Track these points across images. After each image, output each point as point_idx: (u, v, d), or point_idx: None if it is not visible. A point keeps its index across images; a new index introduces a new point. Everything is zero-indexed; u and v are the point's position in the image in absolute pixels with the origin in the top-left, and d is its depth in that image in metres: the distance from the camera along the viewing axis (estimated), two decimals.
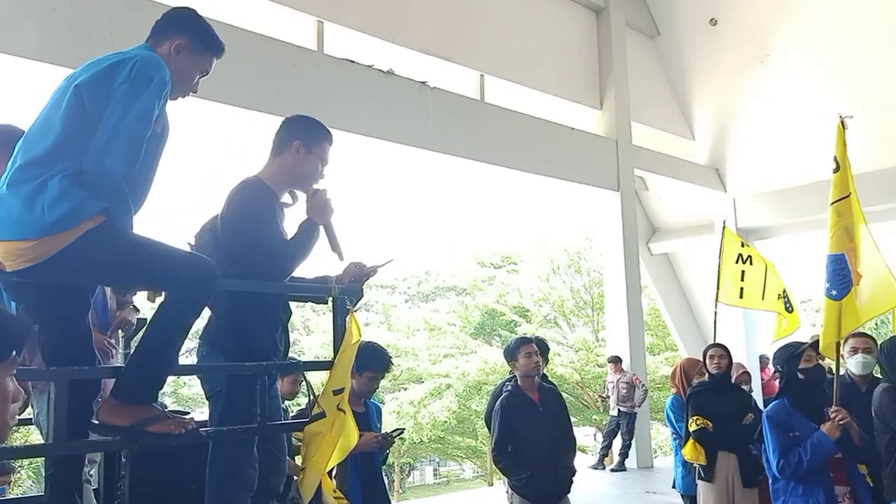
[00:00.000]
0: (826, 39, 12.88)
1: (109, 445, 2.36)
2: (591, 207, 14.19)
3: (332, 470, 2.73)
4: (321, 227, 2.78)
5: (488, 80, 10.97)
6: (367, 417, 4.24)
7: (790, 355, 4.16)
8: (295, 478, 2.91)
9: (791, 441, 3.96)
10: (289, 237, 2.76)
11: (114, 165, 2.13)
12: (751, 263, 8.13)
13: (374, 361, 4.12)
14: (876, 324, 21.22)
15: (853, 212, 4.68)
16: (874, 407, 4.49)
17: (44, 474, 2.28)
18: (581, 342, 22.30)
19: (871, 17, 12.41)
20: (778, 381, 4.24)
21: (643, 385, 11.66)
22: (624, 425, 11.68)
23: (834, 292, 4.45)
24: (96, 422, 2.26)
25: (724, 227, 8.55)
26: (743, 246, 8.21)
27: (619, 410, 11.75)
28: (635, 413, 11.61)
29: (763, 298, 8.10)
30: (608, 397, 12.36)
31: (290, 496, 3.23)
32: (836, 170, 4.75)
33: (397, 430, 4.47)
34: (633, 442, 11.59)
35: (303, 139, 2.81)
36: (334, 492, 2.68)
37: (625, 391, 11.73)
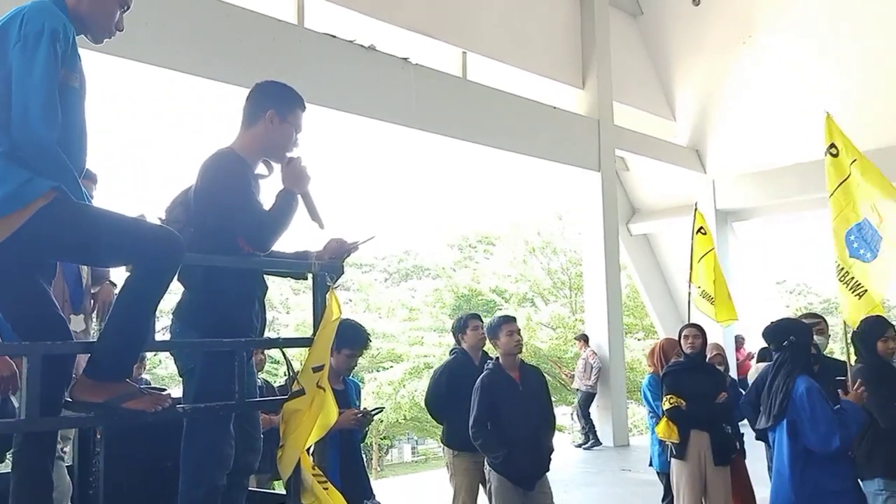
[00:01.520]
0: (809, 22, 12.92)
1: (84, 422, 2.32)
2: (571, 187, 14.20)
3: (310, 447, 2.72)
4: (299, 197, 2.73)
5: (471, 58, 10.90)
6: (346, 395, 4.23)
7: (802, 330, 4.20)
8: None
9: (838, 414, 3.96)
10: (266, 209, 2.71)
11: (41, 131, 2.06)
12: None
13: (352, 339, 4.10)
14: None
15: (854, 193, 5.04)
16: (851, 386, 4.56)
17: (11, 451, 2.24)
18: (558, 321, 22.42)
19: (856, 1, 12.45)
20: (784, 354, 4.20)
21: (596, 363, 11.78)
22: (582, 402, 11.85)
23: (869, 255, 4.76)
24: (69, 399, 2.22)
25: (695, 210, 8.61)
26: (697, 233, 8.29)
27: (578, 389, 11.97)
28: (589, 391, 11.75)
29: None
30: (573, 376, 12.63)
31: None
32: (836, 155, 5.11)
33: (377, 408, 4.48)
34: (591, 420, 11.76)
35: (276, 108, 2.73)
36: (313, 469, 2.67)
37: (581, 369, 11.93)
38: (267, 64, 7.93)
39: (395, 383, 21.49)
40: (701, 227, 7.93)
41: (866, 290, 5.03)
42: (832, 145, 5.06)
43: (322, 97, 8.52)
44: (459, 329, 5.47)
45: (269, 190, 2.81)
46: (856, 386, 4.16)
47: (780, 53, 13.34)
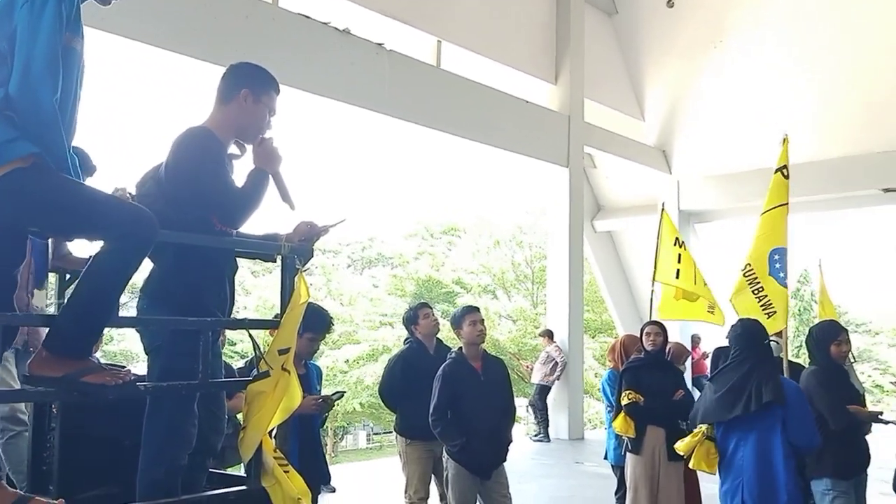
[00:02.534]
0: (779, 30, 13.15)
1: (43, 396, 2.28)
2: (538, 182, 14.27)
3: (273, 430, 2.70)
4: (270, 177, 2.71)
5: (446, 47, 10.87)
6: (308, 379, 4.22)
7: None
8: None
9: None
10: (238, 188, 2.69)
11: (40, 92, 2.04)
12: (684, 248, 8.33)
13: (314, 323, 4.09)
14: (799, 310, 22.09)
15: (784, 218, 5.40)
16: (802, 388, 4.68)
17: None
18: (519, 313, 22.58)
19: (825, 8, 12.69)
20: (751, 353, 4.32)
21: (561, 360, 11.89)
22: (537, 395, 11.98)
23: (782, 275, 4.93)
24: (27, 374, 2.17)
25: (662, 209, 8.71)
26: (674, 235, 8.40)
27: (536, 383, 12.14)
28: (545, 384, 11.89)
29: (695, 282, 8.30)
30: (532, 369, 12.76)
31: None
32: (787, 177, 5.40)
33: (338, 392, 4.48)
34: (546, 413, 11.88)
35: (250, 88, 2.72)
36: (274, 451, 2.65)
37: (542, 362, 12.08)
38: (239, 41, 7.82)
39: (350, 362, 21.47)
40: (677, 238, 8.05)
41: (776, 312, 5.30)
42: (784, 167, 5.38)
43: (293, 79, 8.41)
44: (411, 320, 5.46)
45: (241, 170, 2.79)
46: None
47: (748, 59, 13.55)
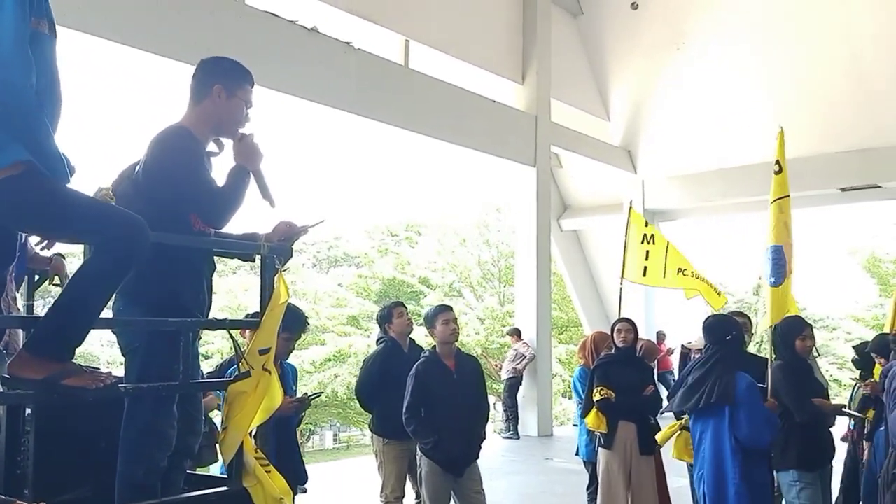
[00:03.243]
0: (739, 30, 13.40)
1: (23, 398, 2.24)
2: (505, 182, 14.35)
3: (253, 430, 2.69)
4: (251, 174, 2.68)
5: (413, 46, 10.87)
6: (284, 379, 4.20)
7: (740, 330, 4.53)
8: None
9: None
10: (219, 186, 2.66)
11: (14, 76, 1.98)
12: (653, 243, 8.38)
13: (291, 323, 4.08)
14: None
15: (789, 212, 5.18)
16: (768, 382, 4.79)
17: None
18: (487, 312, 22.64)
19: (784, 13, 12.97)
20: (715, 350, 4.41)
21: (529, 353, 12.00)
22: (508, 390, 12.08)
23: (772, 279, 4.88)
24: (6, 375, 2.14)
25: (630, 208, 8.82)
26: (646, 226, 8.47)
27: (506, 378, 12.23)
28: (515, 378, 12.00)
29: (664, 276, 8.40)
30: (500, 367, 12.86)
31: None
32: (779, 172, 5.25)
33: (315, 393, 4.48)
34: (517, 410, 11.99)
35: (223, 83, 2.67)
36: (256, 452, 2.64)
37: (511, 358, 12.18)
38: (204, 39, 7.71)
39: (316, 363, 21.34)
40: (645, 234, 8.11)
41: (766, 312, 5.26)
42: (777, 162, 5.35)
43: (260, 77, 8.17)
44: (385, 318, 5.47)
45: (220, 167, 2.76)
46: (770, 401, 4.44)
47: (710, 61, 13.79)
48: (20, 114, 2.00)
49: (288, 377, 4.35)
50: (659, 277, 8.51)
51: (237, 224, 2.82)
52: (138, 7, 7.37)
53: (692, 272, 8.02)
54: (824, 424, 4.97)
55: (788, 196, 5.24)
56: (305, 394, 4.33)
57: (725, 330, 4.47)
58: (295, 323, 4.18)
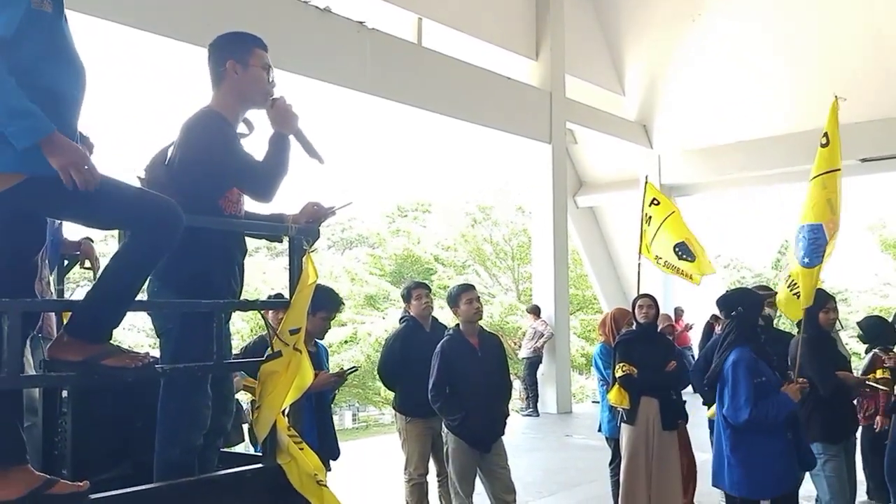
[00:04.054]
0: (755, 3, 13.20)
1: (65, 381, 2.29)
2: (520, 159, 14.31)
3: (286, 408, 2.72)
4: (291, 137, 2.66)
5: (426, 24, 10.81)
6: (318, 358, 4.31)
7: (752, 302, 4.23)
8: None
9: (758, 387, 4.03)
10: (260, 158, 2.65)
11: None
12: (649, 224, 8.20)
13: (327, 302, 4.16)
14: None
15: (838, 186, 4.72)
16: (790, 356, 4.78)
17: None
18: (500, 291, 22.66)
19: None
20: (732, 324, 4.32)
21: (547, 331, 12.01)
22: (527, 369, 12.11)
23: (806, 260, 4.56)
24: (47, 358, 2.18)
25: (646, 182, 8.73)
26: (651, 205, 8.25)
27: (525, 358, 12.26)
28: (535, 357, 12.03)
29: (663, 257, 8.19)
30: (520, 345, 12.90)
31: None
32: (826, 145, 4.74)
33: (352, 367, 4.58)
34: (536, 387, 12.04)
35: (233, 56, 2.65)
36: (288, 429, 2.68)
37: (530, 337, 12.21)
38: (217, 21, 7.66)
39: (334, 346, 21.49)
40: (654, 199, 8.00)
41: (800, 294, 4.82)
42: (825, 134, 4.83)
43: (274, 58, 8.25)
44: (406, 297, 5.50)
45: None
46: (801, 380, 4.31)
47: (726, 33, 13.62)
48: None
49: (322, 356, 4.46)
50: (669, 252, 8.36)
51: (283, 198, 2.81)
52: None
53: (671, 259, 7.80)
54: (847, 397, 4.97)
55: (838, 170, 4.74)
56: (342, 368, 4.44)
57: (731, 304, 4.39)
58: (331, 302, 4.28)
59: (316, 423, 4.13)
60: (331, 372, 4.37)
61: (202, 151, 2.55)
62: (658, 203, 7.86)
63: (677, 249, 7.57)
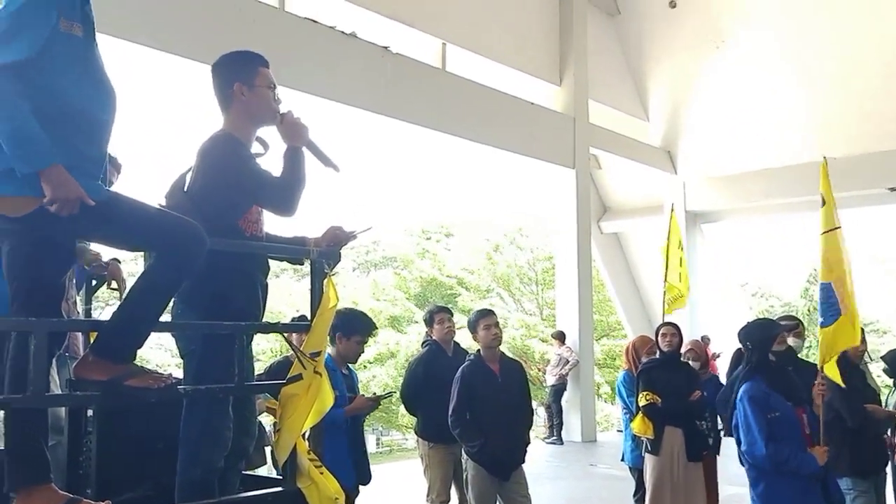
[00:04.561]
0: (780, 27, 13.19)
1: (89, 400, 2.31)
2: (544, 184, 14.33)
3: (306, 431, 2.72)
4: (304, 150, 2.69)
5: (450, 50, 10.91)
6: (353, 380, 4.33)
7: (765, 336, 4.11)
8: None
9: (771, 423, 3.90)
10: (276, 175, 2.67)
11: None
12: (682, 249, 8.31)
13: (361, 326, 4.24)
14: (809, 310, 22.07)
15: (839, 245, 4.75)
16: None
17: (5, 432, 2.18)
18: (522, 322, 22.55)
19: (824, 7, 12.73)
20: (746, 357, 4.23)
21: (573, 358, 11.92)
22: (553, 396, 12.02)
23: (821, 320, 4.55)
24: (72, 378, 2.21)
25: (671, 212, 8.73)
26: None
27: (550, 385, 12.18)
28: (560, 384, 11.95)
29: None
30: (544, 371, 12.82)
31: None
32: (823, 204, 4.83)
33: (388, 392, 4.60)
34: (561, 415, 11.94)
35: (238, 79, 2.67)
36: (308, 453, 2.68)
37: (555, 363, 12.13)
38: (247, 46, 7.74)
39: (357, 367, 21.48)
40: (681, 240, 8.07)
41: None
42: (821, 195, 4.90)
43: (301, 82, 8.48)
44: (429, 322, 5.51)
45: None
46: (824, 448, 4.03)
47: (750, 58, 13.59)
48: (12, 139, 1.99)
49: (355, 379, 4.51)
50: (684, 287, 8.45)
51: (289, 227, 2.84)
52: (181, 16, 7.52)
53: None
54: (877, 430, 4.86)
55: (838, 228, 4.80)
56: (374, 393, 4.49)
57: (743, 338, 4.24)
58: (365, 326, 4.33)
59: (351, 444, 4.18)
60: (372, 394, 4.42)
61: (219, 174, 2.58)
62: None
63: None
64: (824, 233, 4.76)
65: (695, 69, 14.33)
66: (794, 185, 13.46)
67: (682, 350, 5.90)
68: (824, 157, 5.08)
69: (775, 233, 20.84)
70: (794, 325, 5.15)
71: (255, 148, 2.77)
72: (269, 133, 2.79)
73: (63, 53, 2.09)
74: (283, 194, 2.63)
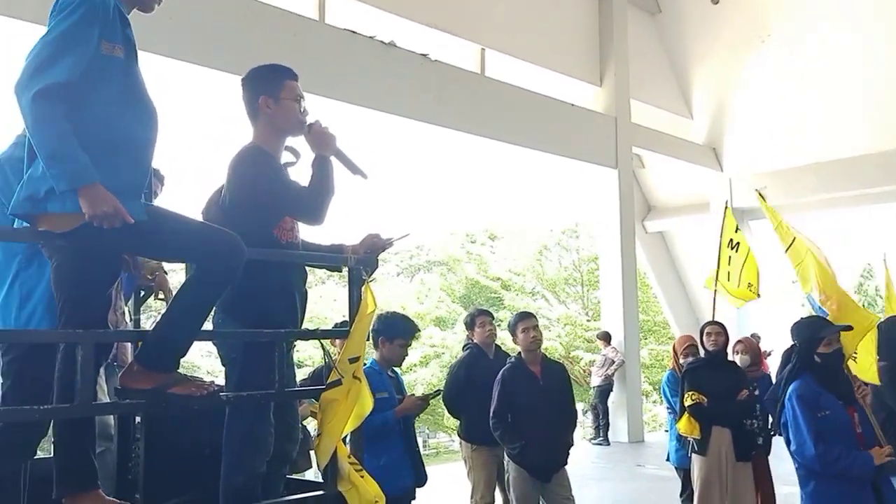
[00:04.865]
0: (826, 20, 12.88)
1: (135, 408, 2.39)
2: (588, 184, 14.24)
3: (346, 436, 2.77)
4: (332, 159, 2.75)
5: (489, 55, 10.94)
6: (399, 383, 4.39)
7: (812, 336, 4.02)
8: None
9: (821, 422, 3.80)
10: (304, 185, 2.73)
11: (22, 88, 2.03)
12: (736, 251, 8.14)
13: (404, 329, 4.31)
14: (863, 305, 21.40)
15: (803, 257, 5.11)
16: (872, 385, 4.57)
17: (53, 441, 2.28)
18: (568, 317, 22.42)
19: (870, 1, 12.41)
20: (794, 355, 4.16)
21: (618, 358, 11.80)
22: (599, 397, 11.92)
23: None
24: (118, 387, 2.30)
25: (726, 208, 8.54)
26: (736, 231, 8.21)
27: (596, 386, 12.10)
28: (605, 385, 11.84)
29: (738, 286, 8.15)
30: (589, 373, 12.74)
31: None
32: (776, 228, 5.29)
33: (435, 391, 4.66)
34: (608, 415, 11.84)
35: (264, 93, 2.74)
36: (349, 457, 2.73)
37: (600, 364, 12.03)
38: (288, 59, 7.83)
39: (402, 369, 21.60)
40: (732, 239, 7.90)
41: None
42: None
43: (342, 93, 8.61)
44: (469, 325, 5.53)
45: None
46: (887, 450, 3.86)
47: (795, 53, 13.30)
48: (41, 140, 2.06)
49: (401, 380, 4.58)
50: (732, 286, 8.28)
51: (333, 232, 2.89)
52: (225, 33, 7.69)
53: (756, 289, 7.75)
54: None
55: (794, 240, 5.28)
56: (424, 393, 4.55)
57: (793, 336, 4.15)
58: (408, 330, 4.39)
59: (405, 446, 4.24)
60: (421, 394, 4.48)
61: (249, 187, 2.65)
62: (737, 230, 7.81)
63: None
64: (786, 251, 4.95)
65: (739, 64, 14.09)
66: (844, 179, 13.13)
67: (731, 344, 5.82)
68: (756, 190, 5.81)
69: (826, 228, 20.30)
70: (846, 327, 5.01)
71: (286, 157, 2.83)
72: (299, 142, 2.85)
73: (106, 76, 2.17)
74: (312, 204, 2.69)
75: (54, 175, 2.03)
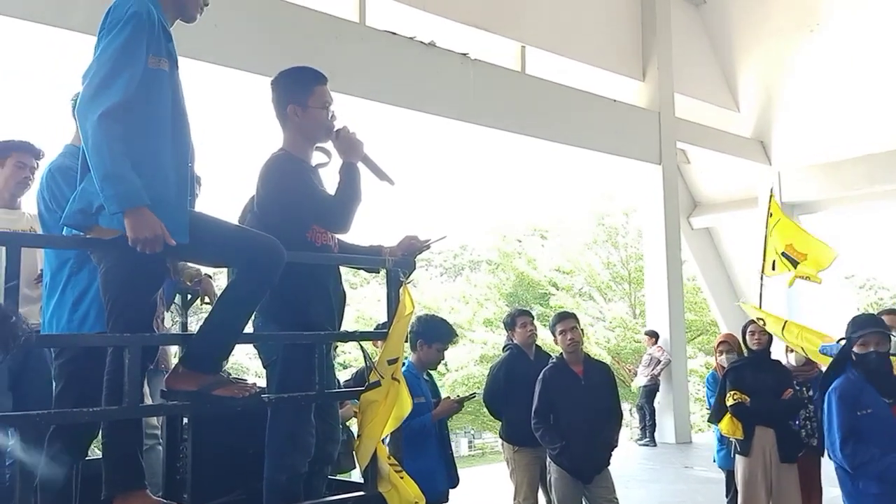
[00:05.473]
0: (876, 9, 12.50)
1: (179, 409, 2.46)
2: (631, 181, 14.08)
3: (386, 437, 2.81)
4: (359, 165, 2.78)
5: (529, 52, 10.88)
6: (433, 386, 4.45)
7: (849, 336, 3.94)
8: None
9: (861, 420, 3.71)
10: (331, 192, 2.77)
11: (87, 109, 2.10)
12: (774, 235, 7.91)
13: (442, 333, 4.37)
14: None
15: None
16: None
17: (102, 441, 2.35)
18: (617, 317, 22.19)
19: None
20: (840, 350, 4.07)
21: (665, 357, 11.64)
22: (645, 397, 11.79)
23: None
24: (164, 389, 2.37)
25: (770, 197, 8.34)
26: (771, 216, 7.96)
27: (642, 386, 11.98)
28: (650, 385, 11.72)
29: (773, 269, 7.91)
30: (635, 372, 12.61)
31: None
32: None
33: (470, 394, 4.68)
34: (654, 416, 11.70)
35: (292, 100, 2.78)
36: (389, 458, 2.76)
37: (646, 363, 11.89)
38: (330, 61, 8.05)
39: (447, 369, 21.61)
40: (770, 212, 7.67)
41: None
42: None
43: (383, 94, 8.68)
44: (509, 326, 5.48)
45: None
46: None
47: (846, 42, 12.94)
48: (99, 161, 2.14)
49: (435, 385, 4.65)
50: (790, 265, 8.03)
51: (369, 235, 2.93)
52: (265, 36, 7.80)
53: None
54: None
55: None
56: (458, 395, 4.59)
57: (846, 331, 4.05)
58: (446, 334, 4.44)
59: (441, 447, 4.28)
60: (456, 397, 4.51)
61: (280, 194, 2.71)
62: (772, 215, 7.59)
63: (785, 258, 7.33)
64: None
65: (787, 54, 13.76)
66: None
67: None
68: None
69: (880, 221, 19.72)
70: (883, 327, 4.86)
71: (318, 158, 2.88)
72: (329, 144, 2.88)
73: (154, 90, 2.25)
74: (337, 213, 2.73)
75: (107, 196, 2.10)
